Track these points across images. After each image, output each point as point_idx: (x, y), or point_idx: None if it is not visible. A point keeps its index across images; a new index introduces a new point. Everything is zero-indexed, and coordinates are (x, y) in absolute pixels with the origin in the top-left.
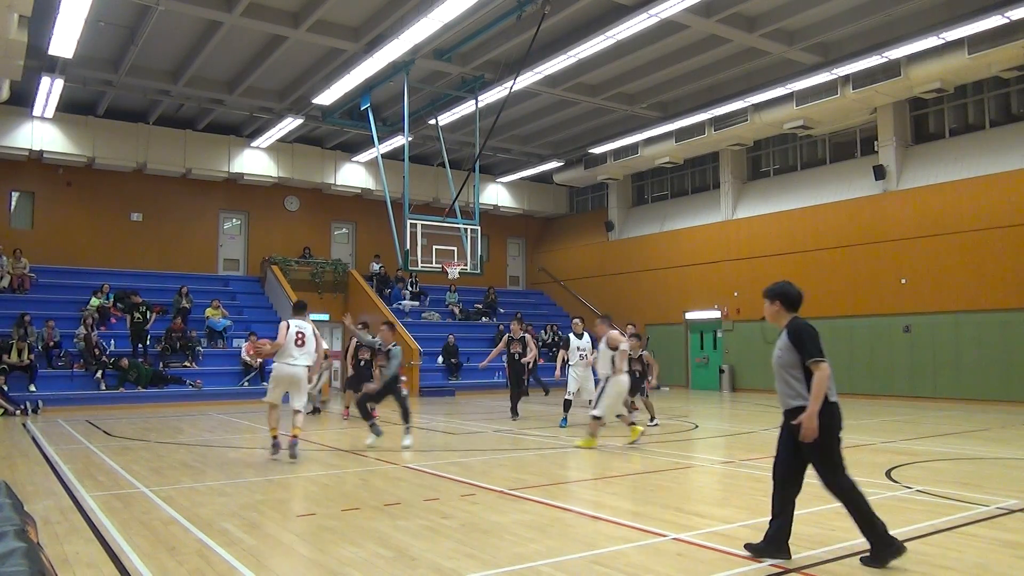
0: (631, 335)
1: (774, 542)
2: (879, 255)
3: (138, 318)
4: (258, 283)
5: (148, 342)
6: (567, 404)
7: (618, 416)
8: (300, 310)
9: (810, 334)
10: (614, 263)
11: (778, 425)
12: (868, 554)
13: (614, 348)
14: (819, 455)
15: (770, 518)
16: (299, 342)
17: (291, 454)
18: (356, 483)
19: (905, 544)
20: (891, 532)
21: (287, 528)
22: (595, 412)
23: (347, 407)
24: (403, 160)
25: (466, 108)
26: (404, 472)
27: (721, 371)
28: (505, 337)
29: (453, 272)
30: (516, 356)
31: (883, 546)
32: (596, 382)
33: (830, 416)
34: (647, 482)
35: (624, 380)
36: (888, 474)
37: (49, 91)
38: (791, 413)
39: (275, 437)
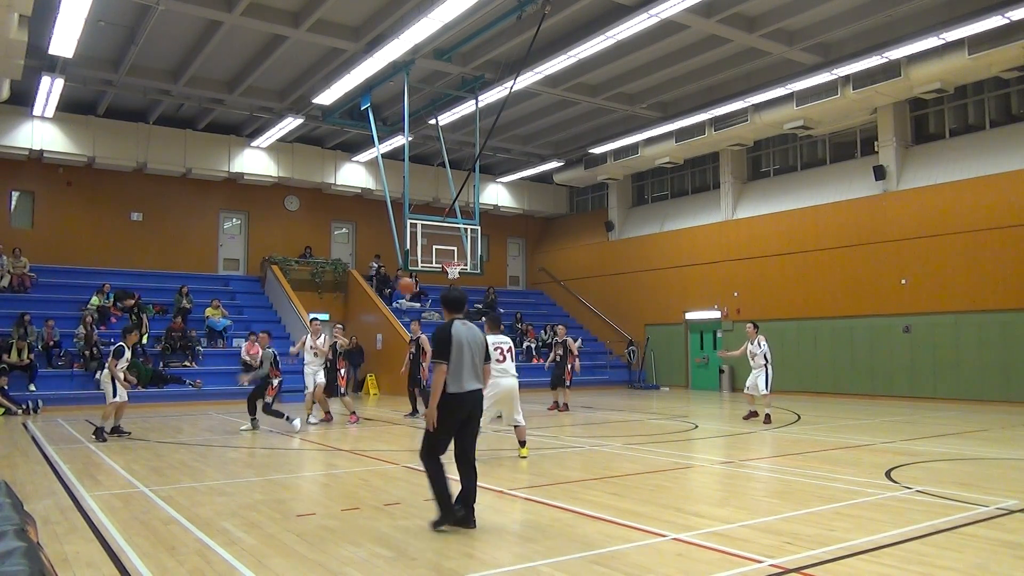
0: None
1: (457, 507)
2: (879, 255)
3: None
4: (258, 283)
5: (147, 342)
6: None
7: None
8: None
9: (439, 338)
10: (614, 263)
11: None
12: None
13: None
14: (427, 432)
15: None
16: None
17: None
18: (356, 483)
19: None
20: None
21: (287, 528)
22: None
23: (354, 412)
24: (403, 160)
25: (466, 108)
26: (404, 472)
27: (721, 371)
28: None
29: (453, 272)
30: (410, 356)
31: (445, 513)
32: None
33: (443, 404)
34: (647, 482)
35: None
36: (888, 474)
37: (49, 91)
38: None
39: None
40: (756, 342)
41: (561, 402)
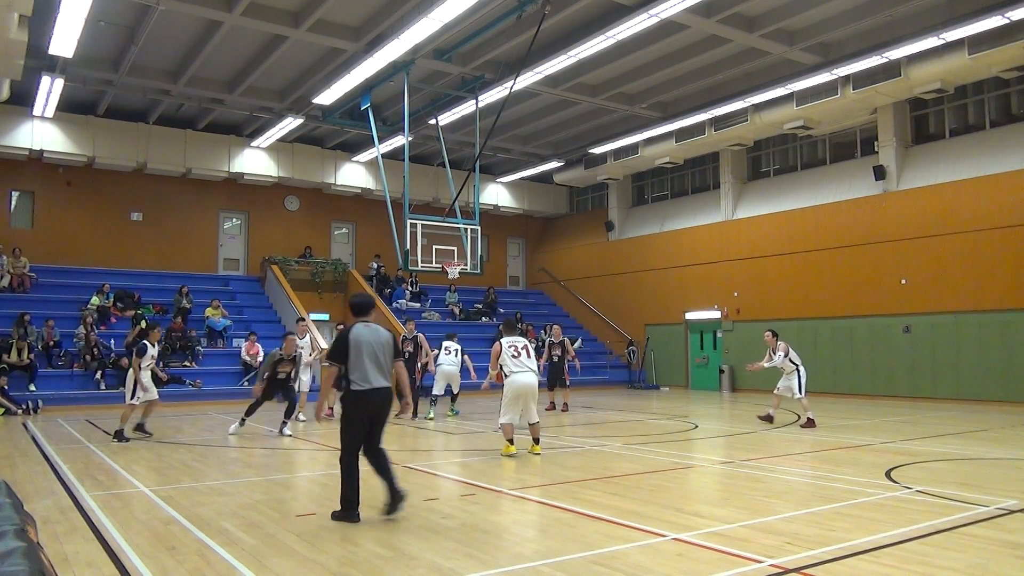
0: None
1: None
2: (879, 255)
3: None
4: (258, 283)
5: None
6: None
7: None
8: None
9: (336, 341)
10: (614, 263)
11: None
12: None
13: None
14: (341, 431)
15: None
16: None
17: None
18: None
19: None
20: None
21: (287, 528)
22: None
23: (331, 407)
24: (403, 160)
25: (466, 108)
26: (404, 472)
27: (721, 371)
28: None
29: (453, 272)
30: (406, 355)
31: (348, 512)
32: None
33: (350, 402)
34: (647, 482)
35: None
36: (888, 474)
37: (49, 91)
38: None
39: None
40: (777, 352)
41: (561, 402)
